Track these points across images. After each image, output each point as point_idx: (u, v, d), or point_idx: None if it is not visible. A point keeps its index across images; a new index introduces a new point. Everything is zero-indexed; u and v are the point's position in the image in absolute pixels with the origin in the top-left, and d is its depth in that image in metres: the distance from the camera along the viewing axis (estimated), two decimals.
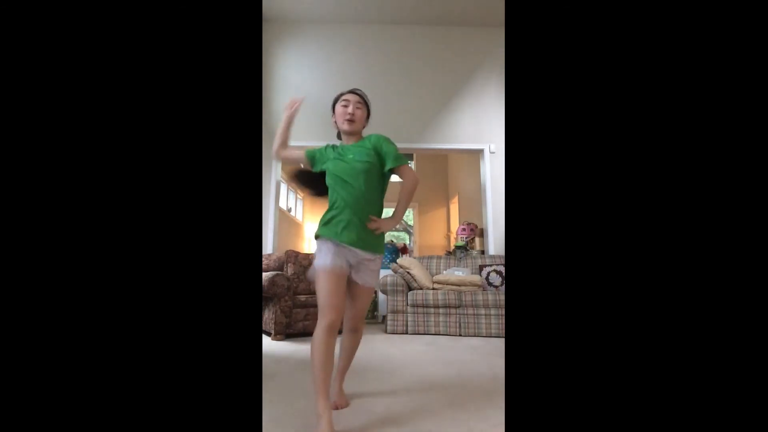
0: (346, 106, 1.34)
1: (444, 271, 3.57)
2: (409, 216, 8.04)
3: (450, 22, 4.30)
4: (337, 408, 1.25)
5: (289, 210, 6.40)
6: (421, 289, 3.27)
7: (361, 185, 1.23)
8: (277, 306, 2.75)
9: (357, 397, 1.38)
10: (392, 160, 1.27)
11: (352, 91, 1.36)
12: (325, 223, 1.23)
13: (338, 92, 1.41)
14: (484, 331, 3.01)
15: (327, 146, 1.40)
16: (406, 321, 3.14)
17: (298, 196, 6.97)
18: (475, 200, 5.34)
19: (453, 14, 4.18)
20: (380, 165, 1.27)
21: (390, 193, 1.33)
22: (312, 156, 1.38)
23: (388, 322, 3.16)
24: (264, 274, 2.86)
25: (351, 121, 1.32)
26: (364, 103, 1.37)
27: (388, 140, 1.32)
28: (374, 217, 1.24)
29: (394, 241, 6.14)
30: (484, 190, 4.09)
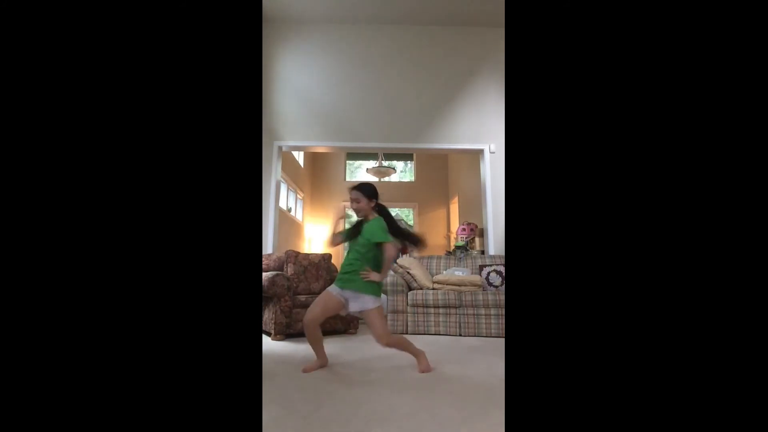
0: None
1: (444, 271, 3.57)
2: (409, 216, 8.04)
3: (450, 22, 4.30)
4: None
5: (289, 210, 6.40)
6: (421, 289, 3.26)
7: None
8: (277, 306, 2.75)
9: (357, 396, 1.38)
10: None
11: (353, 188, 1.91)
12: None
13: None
14: (484, 331, 3.01)
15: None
16: (406, 321, 3.14)
17: (299, 196, 6.97)
18: (475, 200, 5.34)
19: (453, 14, 4.18)
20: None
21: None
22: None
23: (388, 322, 3.16)
24: (264, 274, 2.86)
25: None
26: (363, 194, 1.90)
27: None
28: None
29: None
30: (484, 190, 4.09)
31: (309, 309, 1.84)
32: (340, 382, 1.58)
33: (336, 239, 2.01)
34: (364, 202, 1.91)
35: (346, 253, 1.94)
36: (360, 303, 1.80)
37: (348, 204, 2.02)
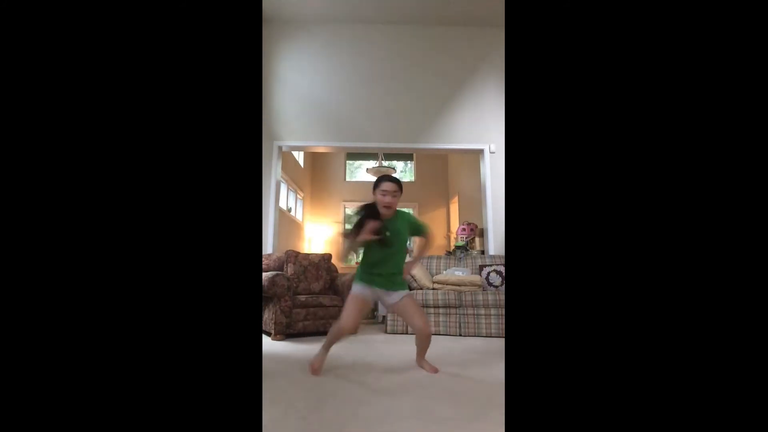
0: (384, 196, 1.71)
1: (444, 271, 3.57)
2: None
3: (450, 22, 4.29)
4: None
5: (289, 210, 6.40)
6: (421, 289, 3.27)
7: None
8: (277, 306, 2.75)
9: (357, 397, 1.38)
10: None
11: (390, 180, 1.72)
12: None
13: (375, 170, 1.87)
14: (484, 331, 3.01)
15: None
16: None
17: (299, 196, 6.97)
18: (475, 200, 5.33)
19: (453, 14, 4.18)
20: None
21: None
22: None
23: (388, 322, 3.16)
24: (264, 274, 2.86)
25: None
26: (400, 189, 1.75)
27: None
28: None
29: None
30: (484, 190, 4.09)
31: (347, 319, 1.70)
32: (340, 382, 1.58)
33: (354, 249, 1.76)
34: (398, 197, 1.73)
35: (371, 253, 1.75)
36: (397, 294, 1.80)
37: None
